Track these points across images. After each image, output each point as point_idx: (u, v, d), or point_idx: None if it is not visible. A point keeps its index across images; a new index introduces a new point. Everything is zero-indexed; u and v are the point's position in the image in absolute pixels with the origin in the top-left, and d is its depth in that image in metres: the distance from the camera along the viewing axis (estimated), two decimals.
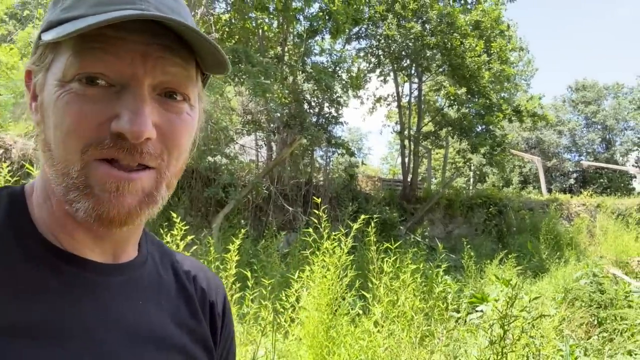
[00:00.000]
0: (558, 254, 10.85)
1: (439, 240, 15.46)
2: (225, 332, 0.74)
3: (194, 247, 5.13)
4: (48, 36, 0.52)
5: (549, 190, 20.75)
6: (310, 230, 4.22)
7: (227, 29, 11.54)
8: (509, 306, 2.70)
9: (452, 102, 14.03)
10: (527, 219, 14.45)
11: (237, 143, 10.37)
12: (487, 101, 13.21)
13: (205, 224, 8.89)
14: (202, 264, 0.77)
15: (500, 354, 2.63)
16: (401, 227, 13.46)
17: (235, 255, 4.45)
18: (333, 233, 3.91)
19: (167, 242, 4.55)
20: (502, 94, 14.75)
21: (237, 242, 4.56)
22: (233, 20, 11.44)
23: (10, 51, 8.51)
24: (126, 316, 0.58)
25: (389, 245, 3.87)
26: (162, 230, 4.76)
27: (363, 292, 3.84)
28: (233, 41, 11.40)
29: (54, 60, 0.54)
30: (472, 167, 23.17)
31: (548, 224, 12.44)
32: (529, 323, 2.97)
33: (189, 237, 4.63)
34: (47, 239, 0.56)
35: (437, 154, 24.04)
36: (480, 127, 13.78)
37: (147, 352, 0.58)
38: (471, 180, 25.52)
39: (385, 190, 15.36)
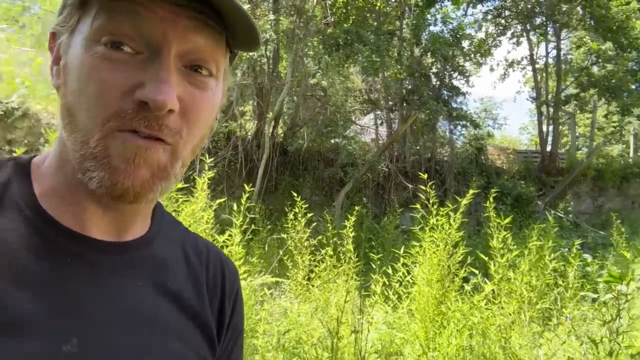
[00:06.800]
0: None
1: (587, 216, 13.91)
2: (233, 323, 0.70)
3: (315, 224, 5.48)
4: None
5: None
6: (418, 206, 4.22)
7: (343, 11, 11.70)
8: (626, 282, 2.47)
9: (596, 59, 12.32)
10: None
11: (355, 124, 10.55)
12: None
13: (329, 202, 9.32)
14: (220, 250, 0.74)
15: (615, 333, 2.43)
16: (539, 202, 12.41)
17: (352, 232, 4.64)
18: (446, 209, 3.84)
19: (291, 220, 4.94)
20: None
21: (352, 219, 4.75)
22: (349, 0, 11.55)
23: None
24: (123, 296, 0.55)
25: (499, 221, 3.70)
26: (286, 209, 5.18)
27: (474, 269, 3.74)
28: (350, 21, 11.53)
29: (80, 20, 0.53)
30: (633, 131, 20.14)
31: None
32: None
33: (310, 215, 4.98)
34: (46, 211, 0.54)
35: (586, 119, 21.38)
36: (634, 86, 11.89)
37: (141, 335, 0.55)
38: (631, 146, 22.19)
39: (520, 162, 14.26)
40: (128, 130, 0.50)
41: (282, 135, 10.53)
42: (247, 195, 3.59)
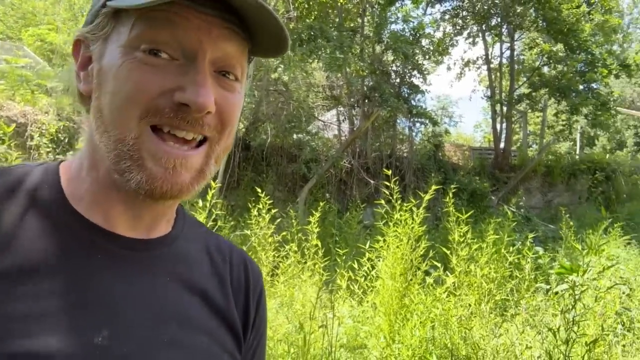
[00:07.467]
0: None
1: (537, 211, 14.58)
2: (257, 323, 0.71)
3: (279, 220, 5.45)
4: (118, 2, 0.52)
5: None
6: (382, 201, 4.27)
7: (306, 6, 11.67)
8: (580, 274, 2.60)
9: (548, 60, 12.87)
10: None
11: (318, 120, 10.57)
12: (589, 56, 11.93)
13: (292, 198, 9.31)
14: (243, 250, 0.75)
15: (571, 322, 2.56)
16: (492, 198, 12.87)
17: (316, 227, 4.65)
18: (409, 204, 3.90)
19: (254, 216, 4.89)
20: (607, 47, 13.18)
21: (317, 215, 4.75)
22: None
23: None
24: (151, 291, 0.57)
25: (460, 215, 3.80)
26: (249, 205, 5.13)
27: (436, 262, 3.83)
28: (312, 17, 11.51)
29: (114, 28, 0.54)
30: (580, 130, 21.21)
31: None
32: (601, 292, 2.82)
33: (274, 211, 4.94)
34: (76, 210, 0.56)
35: (537, 117, 22.34)
36: (582, 86, 12.50)
37: (168, 329, 0.56)
38: (578, 144, 23.35)
39: (475, 159, 14.73)
40: (164, 130, 0.53)
41: (243, 130, 10.42)
42: (212, 191, 3.53)
